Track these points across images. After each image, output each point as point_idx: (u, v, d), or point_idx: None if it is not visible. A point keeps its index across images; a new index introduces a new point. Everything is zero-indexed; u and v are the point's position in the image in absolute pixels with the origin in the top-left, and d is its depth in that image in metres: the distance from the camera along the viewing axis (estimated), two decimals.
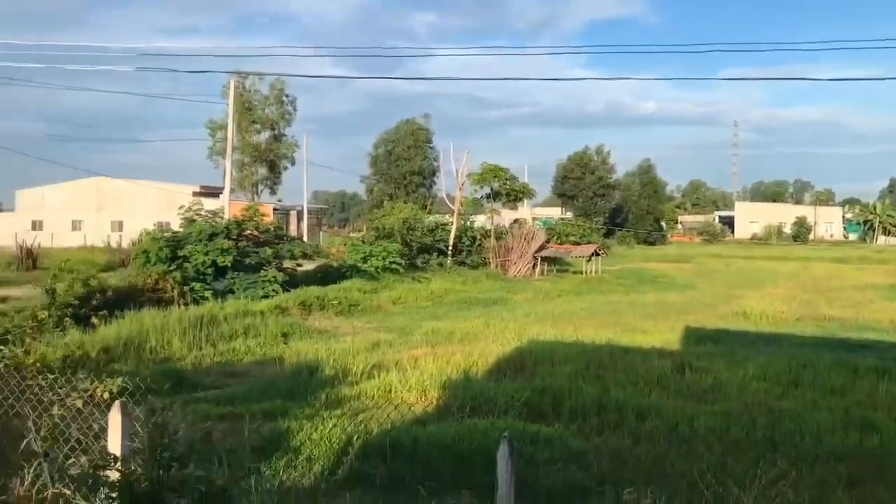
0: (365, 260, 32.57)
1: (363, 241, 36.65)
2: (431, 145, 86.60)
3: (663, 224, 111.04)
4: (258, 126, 77.35)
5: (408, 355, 14.98)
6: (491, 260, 42.04)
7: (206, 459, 4.36)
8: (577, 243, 53.19)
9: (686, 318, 23.11)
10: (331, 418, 9.96)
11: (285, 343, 17.69)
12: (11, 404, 5.52)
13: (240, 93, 60.02)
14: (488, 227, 46.74)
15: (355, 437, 9.20)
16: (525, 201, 56.34)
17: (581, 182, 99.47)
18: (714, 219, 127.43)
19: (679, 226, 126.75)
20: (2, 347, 5.65)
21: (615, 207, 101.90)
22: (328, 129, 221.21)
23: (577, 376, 12.92)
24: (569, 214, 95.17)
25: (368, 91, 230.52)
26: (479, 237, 44.54)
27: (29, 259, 35.29)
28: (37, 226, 58.98)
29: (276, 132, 78.72)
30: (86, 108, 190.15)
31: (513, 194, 47.46)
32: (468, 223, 46.35)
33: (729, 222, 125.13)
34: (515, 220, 53.83)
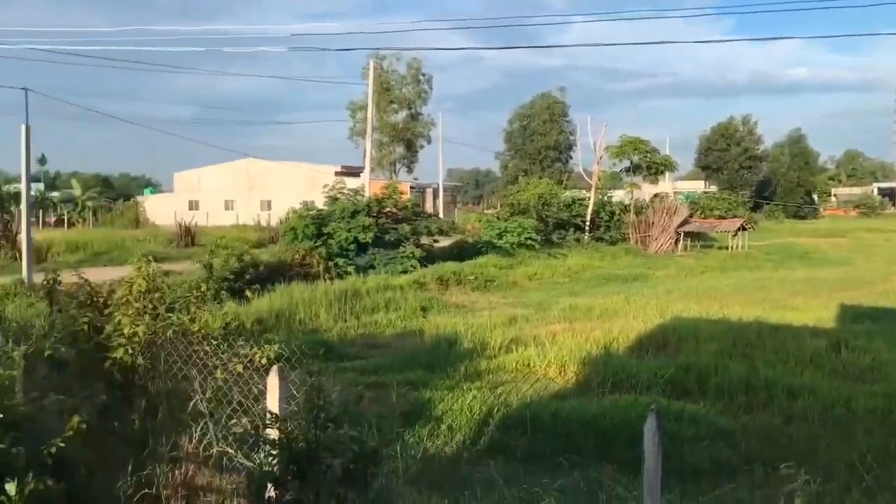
0: (500, 236, 32.66)
1: (498, 218, 36.73)
2: (567, 119, 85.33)
3: (815, 197, 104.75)
4: (396, 106, 78.78)
5: (545, 331, 14.96)
6: (630, 235, 41.12)
7: (356, 424, 4.54)
8: (722, 217, 51.12)
9: (840, 295, 21.80)
10: (470, 390, 10.14)
11: (424, 317, 18.08)
12: (180, 367, 5.94)
13: (378, 73, 61.27)
14: (627, 201, 45.66)
15: (495, 409, 9.33)
16: (666, 175, 54.52)
17: (726, 154, 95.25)
18: (872, 191, 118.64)
19: (833, 198, 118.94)
20: (170, 315, 6.06)
21: (762, 180, 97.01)
22: (463, 106, 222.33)
23: (724, 354, 12.50)
24: (712, 188, 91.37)
25: (502, 67, 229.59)
26: (617, 212, 43.61)
27: (187, 237, 37.69)
28: (193, 206, 62.62)
29: (412, 111, 79.93)
30: (237, 92, 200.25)
31: (654, 167, 46.05)
32: (606, 198, 45.43)
33: (889, 194, 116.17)
34: (656, 195, 52.28)
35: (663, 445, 4.49)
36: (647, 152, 45.32)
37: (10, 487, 3.73)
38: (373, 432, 4.62)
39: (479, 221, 39.05)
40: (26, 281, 21.94)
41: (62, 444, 4.70)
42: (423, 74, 79.30)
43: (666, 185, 73.76)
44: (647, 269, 31.16)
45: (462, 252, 31.73)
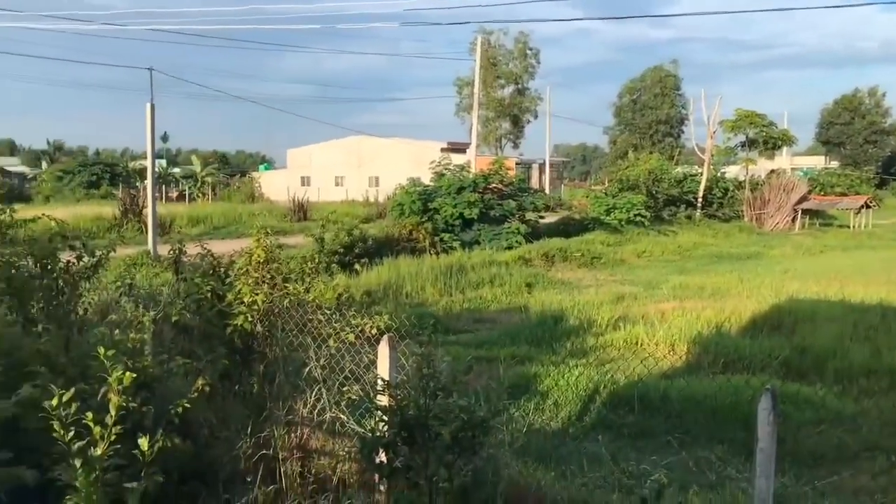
0: (608, 212, 32.14)
1: (606, 194, 36.11)
2: (680, 92, 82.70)
3: None
4: (502, 81, 78.38)
5: (654, 309, 14.67)
6: (745, 212, 39.65)
7: (464, 394, 4.61)
8: (844, 195, 48.56)
9: None
10: (576, 367, 10.10)
11: (529, 293, 18.05)
12: (296, 335, 6.18)
13: (485, 49, 61.06)
14: (742, 177, 43.97)
15: (602, 387, 9.25)
16: (784, 150, 52.12)
17: (849, 128, 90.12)
18: None
19: None
20: (287, 285, 6.29)
21: (890, 155, 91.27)
22: (571, 80, 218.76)
23: (844, 337, 11.93)
24: (834, 164, 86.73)
25: (612, 39, 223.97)
26: (731, 188, 42.07)
27: (300, 211, 38.90)
28: (305, 181, 64.42)
29: (519, 86, 79.35)
30: (348, 71, 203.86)
31: (770, 142, 44.12)
32: (719, 174, 43.88)
33: None
34: (772, 171, 50.05)
35: (778, 427, 4.36)
36: (763, 126, 43.44)
37: (143, 442, 3.98)
38: (480, 403, 4.67)
39: (587, 197, 38.51)
40: (152, 252, 23.23)
41: (188, 405, 4.99)
42: (531, 49, 78.53)
43: (783, 160, 70.53)
44: (762, 248, 30.01)
45: (568, 228, 31.43)
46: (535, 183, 63.44)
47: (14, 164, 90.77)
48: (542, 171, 69.97)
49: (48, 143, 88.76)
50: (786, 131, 47.61)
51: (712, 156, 42.79)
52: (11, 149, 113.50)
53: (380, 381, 4.76)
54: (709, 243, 30.94)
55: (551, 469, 6.09)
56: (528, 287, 18.72)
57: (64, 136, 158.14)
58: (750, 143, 44.22)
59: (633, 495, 4.86)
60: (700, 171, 42.43)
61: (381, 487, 4.85)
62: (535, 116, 79.44)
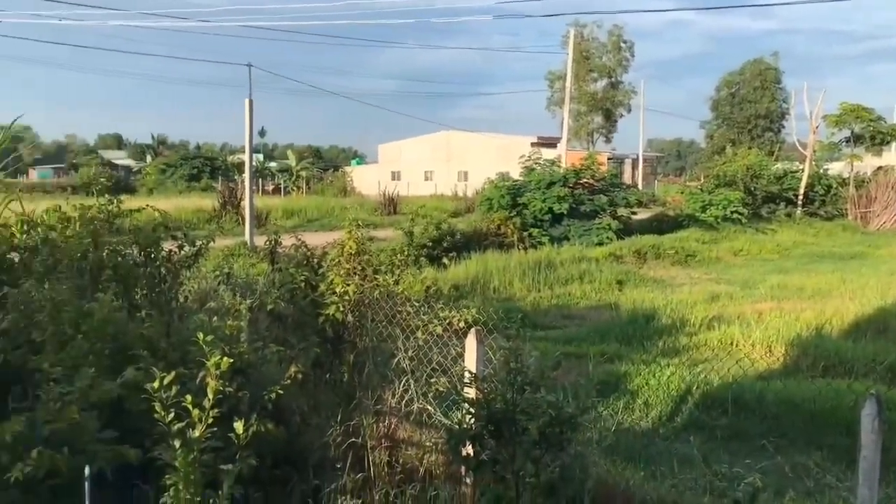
0: (703, 209, 31.25)
1: (702, 190, 35.13)
2: (780, 86, 79.55)
3: None
4: (595, 74, 77.32)
5: (751, 309, 14.19)
6: (848, 211, 37.87)
7: (552, 390, 4.57)
8: None
9: None
10: (668, 366, 9.87)
11: (619, 290, 17.74)
12: (385, 326, 6.27)
13: (578, 42, 60.32)
14: (846, 174, 42.00)
15: (694, 387, 9.02)
16: (893, 146, 49.51)
17: None
18: None
19: None
20: (377, 277, 6.39)
21: None
22: (666, 73, 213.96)
23: None
24: None
25: (709, 31, 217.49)
26: (834, 186, 40.24)
27: (390, 206, 39.47)
28: (395, 176, 65.19)
29: (612, 79, 78.11)
30: (438, 66, 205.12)
31: (878, 137, 41.94)
32: (822, 170, 42.03)
33: None
34: (880, 167, 47.62)
35: (883, 435, 4.15)
36: (870, 121, 41.31)
37: (238, 426, 4.11)
38: (568, 400, 4.62)
39: (681, 193, 37.56)
40: (248, 243, 23.97)
41: (281, 391, 5.12)
42: (625, 41, 77.21)
43: (892, 156, 67.15)
44: (867, 248, 28.59)
45: (661, 225, 30.75)
46: (627, 178, 62.35)
47: (121, 158, 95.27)
48: (634, 166, 68.75)
49: (152, 137, 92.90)
50: (895, 126, 45.21)
51: (814, 152, 41.03)
52: (119, 143, 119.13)
53: (467, 374, 4.77)
54: (809, 242, 29.73)
55: (640, 469, 5.98)
56: (619, 284, 18.39)
57: (167, 131, 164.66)
58: (855, 139, 42.16)
59: (726, 498, 4.71)
60: (801, 167, 40.75)
61: (468, 480, 4.87)
62: (629, 110, 78.09)
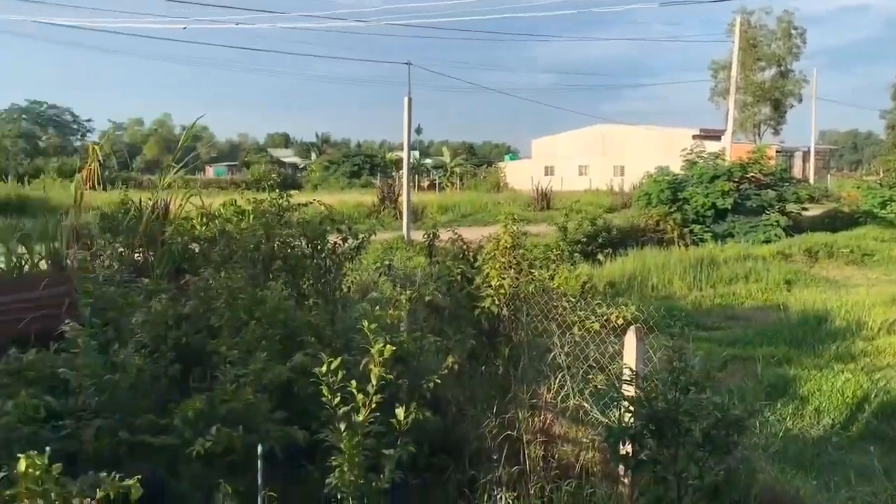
0: (883, 205, 28.93)
1: (881, 185, 32.51)
2: None
3: None
4: (763, 63, 73.41)
5: None
6: None
7: (717, 391, 4.38)
8: None
9: None
10: (843, 372, 9.24)
11: (788, 290, 16.76)
12: (541, 320, 6.24)
13: (744, 30, 57.43)
14: None
15: (872, 395, 8.39)
16: None
17: None
18: None
19: None
20: (532, 271, 6.36)
21: None
22: (840, 61, 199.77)
23: None
24: None
25: (889, 15, 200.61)
26: None
27: (543, 201, 39.21)
28: (549, 171, 64.75)
29: (782, 68, 73.85)
30: (595, 59, 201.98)
31: None
32: None
33: None
34: None
35: None
36: None
37: (399, 412, 4.22)
38: (734, 402, 4.41)
39: (858, 188, 34.95)
40: (405, 237, 24.61)
41: (438, 381, 5.22)
42: (796, 28, 72.74)
43: None
44: None
45: (835, 222, 28.78)
46: (797, 172, 58.85)
47: (287, 156, 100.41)
48: (805, 159, 64.75)
49: (317, 136, 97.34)
50: None
51: None
52: (286, 141, 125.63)
53: (628, 372, 4.66)
54: None
55: (811, 478, 5.62)
56: (788, 284, 17.36)
57: (330, 130, 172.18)
58: None
59: None
60: None
61: (626, 479, 4.76)
62: (800, 100, 73.58)
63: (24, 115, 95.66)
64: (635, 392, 4.46)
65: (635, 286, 16.35)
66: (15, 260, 9.72)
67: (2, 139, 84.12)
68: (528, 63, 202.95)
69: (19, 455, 3.12)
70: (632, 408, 4.30)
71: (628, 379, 4.51)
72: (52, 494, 3.02)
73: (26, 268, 9.56)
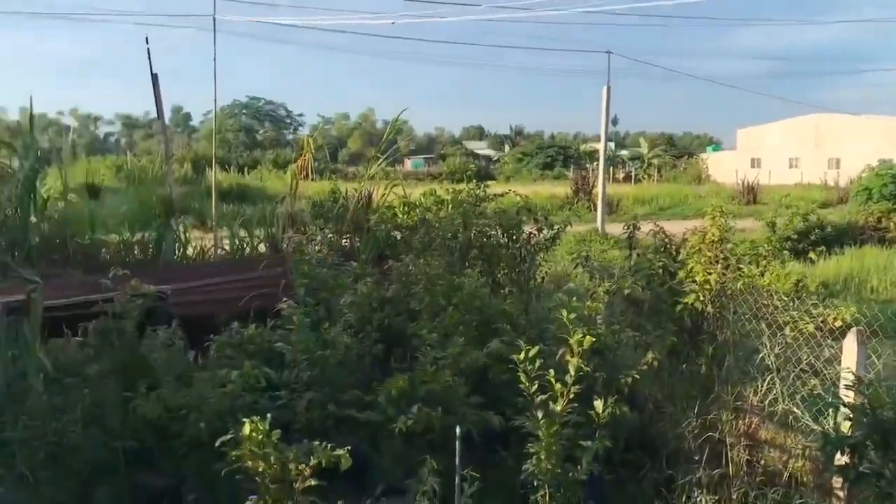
0: None
1: None
2: None
3: None
4: None
5: None
6: None
7: None
8: None
9: None
10: None
11: None
12: (749, 319, 5.90)
13: None
14: None
15: None
16: None
17: None
18: None
19: None
20: (741, 267, 6.03)
21: None
22: None
23: None
24: None
25: None
26: None
27: (749, 194, 37.12)
28: (755, 163, 61.21)
29: None
30: (815, 43, 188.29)
31: None
32: None
33: None
34: None
35: None
36: None
37: (598, 405, 4.17)
38: None
39: None
40: (600, 229, 24.24)
41: (636, 376, 5.09)
42: None
43: None
44: None
45: None
46: None
47: (482, 148, 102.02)
48: None
49: (510, 128, 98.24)
50: None
51: None
52: (480, 134, 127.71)
53: (849, 378, 4.30)
54: None
55: None
56: None
57: (524, 122, 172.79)
58: None
59: None
60: None
61: (841, 493, 4.41)
62: None
63: (243, 111, 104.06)
64: (856, 399, 4.11)
65: (852, 287, 15.06)
66: (237, 243, 10.64)
67: (224, 133, 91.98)
68: (734, 50, 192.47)
69: (244, 420, 3.40)
70: (852, 415, 3.96)
71: (849, 385, 4.15)
72: (272, 458, 3.26)
73: (247, 250, 10.44)
